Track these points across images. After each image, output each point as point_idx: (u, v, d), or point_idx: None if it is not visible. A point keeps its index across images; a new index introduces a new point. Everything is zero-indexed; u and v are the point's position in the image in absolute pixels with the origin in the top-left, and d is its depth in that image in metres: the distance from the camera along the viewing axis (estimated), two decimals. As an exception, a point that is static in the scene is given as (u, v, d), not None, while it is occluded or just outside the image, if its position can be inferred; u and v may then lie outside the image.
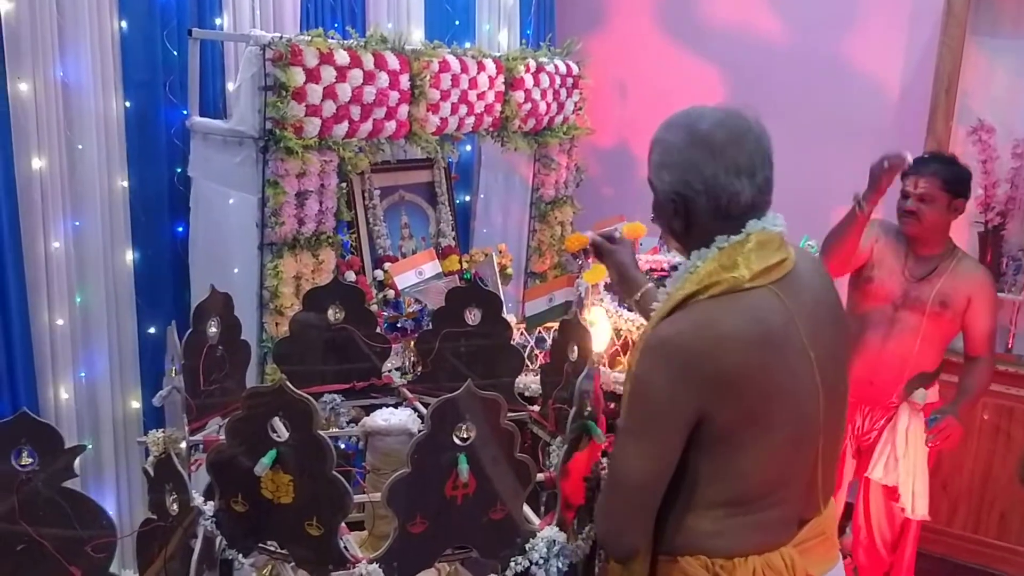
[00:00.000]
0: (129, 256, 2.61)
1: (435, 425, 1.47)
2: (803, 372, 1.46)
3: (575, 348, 1.97)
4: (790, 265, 1.48)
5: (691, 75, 4.15)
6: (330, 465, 1.45)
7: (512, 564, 1.56)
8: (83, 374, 2.53)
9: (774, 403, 1.44)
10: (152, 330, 2.69)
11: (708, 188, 1.45)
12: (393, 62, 2.76)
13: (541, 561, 1.57)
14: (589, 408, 1.74)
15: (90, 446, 2.52)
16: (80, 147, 2.42)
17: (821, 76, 3.84)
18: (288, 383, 1.46)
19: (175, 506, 1.38)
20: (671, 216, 1.51)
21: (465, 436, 1.48)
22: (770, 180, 1.48)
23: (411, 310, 2.64)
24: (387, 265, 3.08)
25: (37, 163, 2.31)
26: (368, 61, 2.67)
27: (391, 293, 3.02)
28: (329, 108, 2.53)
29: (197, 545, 1.36)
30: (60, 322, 2.41)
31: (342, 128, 2.60)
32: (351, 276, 2.90)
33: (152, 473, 1.47)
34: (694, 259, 1.50)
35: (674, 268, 3.12)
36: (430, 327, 2.28)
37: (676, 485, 1.49)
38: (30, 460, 1.48)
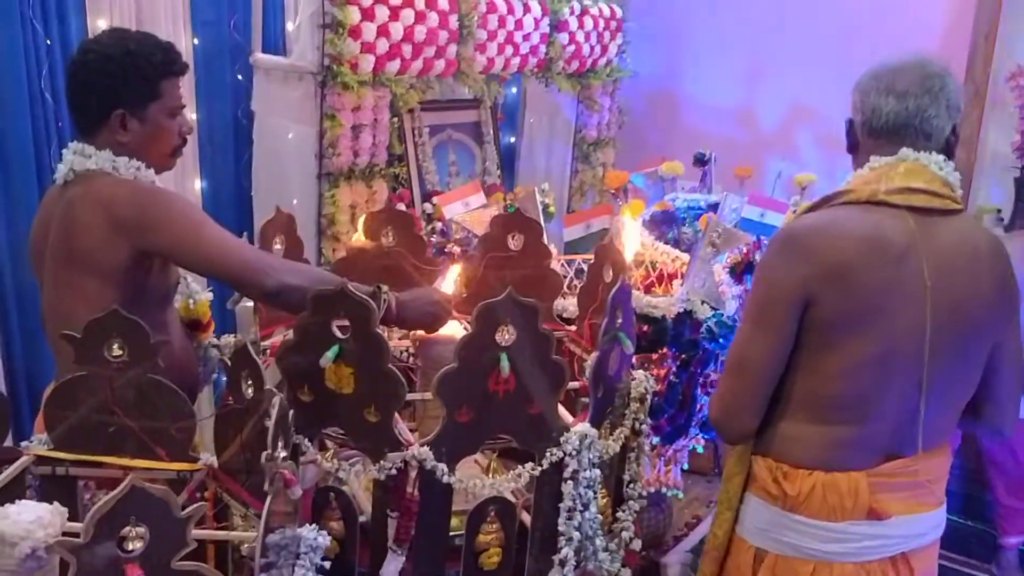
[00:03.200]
0: (197, 185, 2.80)
1: (480, 326, 1.64)
2: (911, 299, 1.56)
3: (610, 270, 2.13)
4: (937, 203, 1.59)
5: (732, 19, 4.20)
6: (386, 359, 1.63)
7: (547, 455, 1.73)
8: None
9: (873, 312, 1.55)
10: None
11: (863, 106, 1.63)
12: (443, 2, 2.89)
13: (574, 452, 1.74)
14: (620, 319, 1.89)
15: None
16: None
17: (861, 22, 3.88)
18: (350, 285, 1.63)
19: (250, 391, 1.57)
20: (848, 142, 1.70)
21: (506, 337, 1.65)
22: (924, 110, 1.60)
23: (458, 236, 2.81)
24: (435, 199, 3.25)
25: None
26: (419, 1, 2.81)
27: (439, 225, 3.19)
28: (383, 45, 2.69)
29: (271, 425, 1.54)
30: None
31: (395, 65, 2.76)
32: (401, 207, 3.06)
33: (230, 363, 1.65)
34: (847, 177, 1.67)
35: (713, 206, 3.24)
36: (475, 252, 2.44)
37: None
38: (120, 353, 1.69)
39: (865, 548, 1.64)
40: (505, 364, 1.64)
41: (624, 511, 2.01)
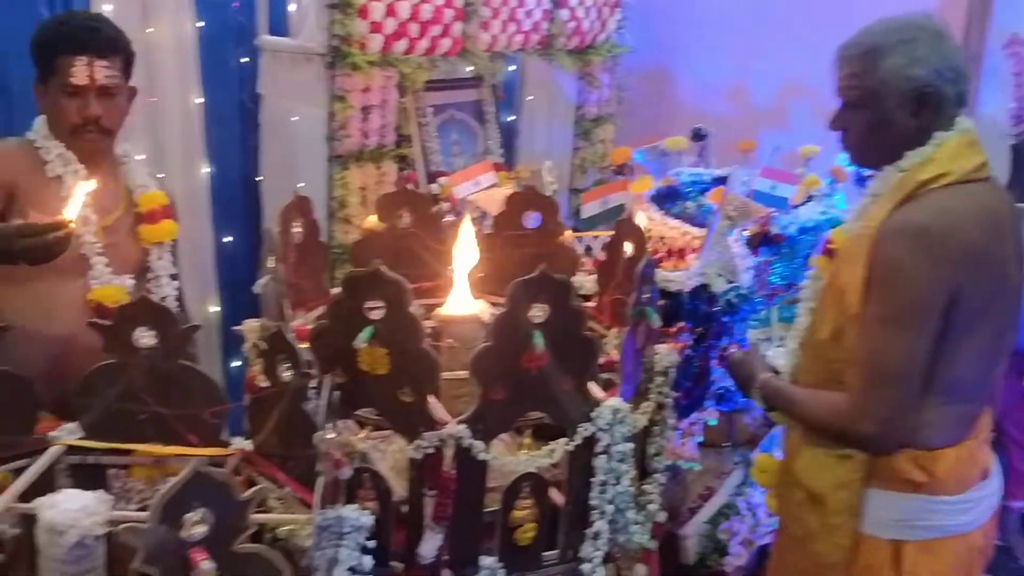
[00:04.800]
0: (204, 170, 2.79)
1: (513, 304, 1.64)
2: (1016, 264, 1.59)
3: (631, 245, 2.14)
4: (985, 172, 1.60)
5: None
6: (420, 340, 1.63)
7: (580, 430, 1.74)
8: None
9: (1002, 290, 1.57)
10: (227, 239, 2.88)
11: (957, 76, 1.57)
12: (448, -21, 2.88)
13: (606, 427, 1.75)
14: (647, 295, 1.90)
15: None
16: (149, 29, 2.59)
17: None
18: (384, 267, 1.63)
19: (287, 374, 1.57)
20: (908, 116, 1.58)
21: (539, 314, 1.65)
22: (968, 77, 1.60)
23: (473, 216, 2.81)
24: (442, 179, 3.23)
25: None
26: (425, -21, 2.79)
27: (446, 205, 3.18)
28: (391, 25, 2.67)
29: (322, 405, 1.53)
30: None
31: (402, 45, 2.75)
32: (410, 187, 3.05)
33: (266, 346, 1.65)
34: (911, 158, 1.59)
35: (718, 180, 3.25)
36: (490, 231, 2.44)
37: None
38: (150, 340, 1.68)
39: (982, 511, 1.70)
40: (539, 341, 1.64)
41: (650, 484, 2.03)
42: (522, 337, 1.65)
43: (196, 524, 1.04)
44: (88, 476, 1.63)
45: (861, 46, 1.62)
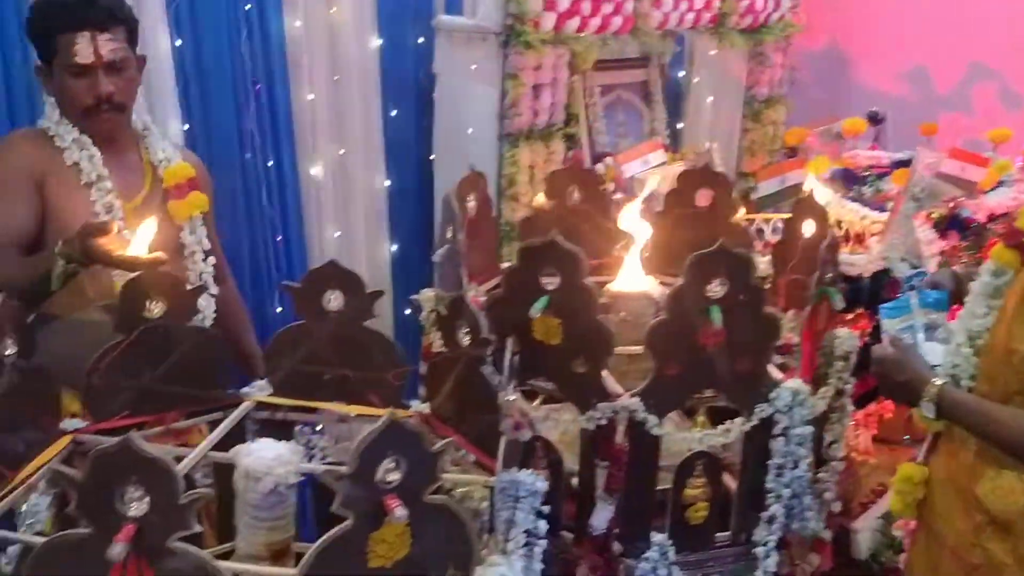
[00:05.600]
0: (380, 145, 2.87)
1: (691, 277, 1.61)
2: None
3: (811, 225, 2.06)
4: None
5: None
6: (595, 311, 1.63)
7: (757, 410, 1.70)
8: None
9: None
10: (403, 220, 2.97)
11: None
12: (620, -44, 2.85)
13: (785, 409, 1.69)
14: (830, 275, 1.83)
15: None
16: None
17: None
18: (560, 237, 1.63)
19: (467, 339, 1.60)
20: None
21: (717, 289, 1.62)
22: None
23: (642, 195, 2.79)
24: (608, 159, 3.22)
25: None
26: (598, -44, 2.78)
27: (611, 186, 3.16)
28: (564, 3, 2.68)
29: (506, 369, 1.55)
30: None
31: (574, 23, 2.75)
32: (576, 166, 3.06)
33: (446, 312, 1.69)
34: None
35: (899, 164, 3.10)
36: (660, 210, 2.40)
37: None
38: (337, 303, 1.75)
39: None
40: (717, 316, 1.61)
41: (826, 472, 1.95)
42: (699, 312, 1.62)
43: (390, 472, 1.07)
44: (275, 431, 1.71)
45: None
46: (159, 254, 1.68)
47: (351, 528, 1.07)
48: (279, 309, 2.70)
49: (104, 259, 1.66)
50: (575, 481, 1.77)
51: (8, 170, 1.85)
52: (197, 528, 1.02)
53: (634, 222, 2.10)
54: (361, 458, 1.05)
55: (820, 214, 2.03)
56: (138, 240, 1.70)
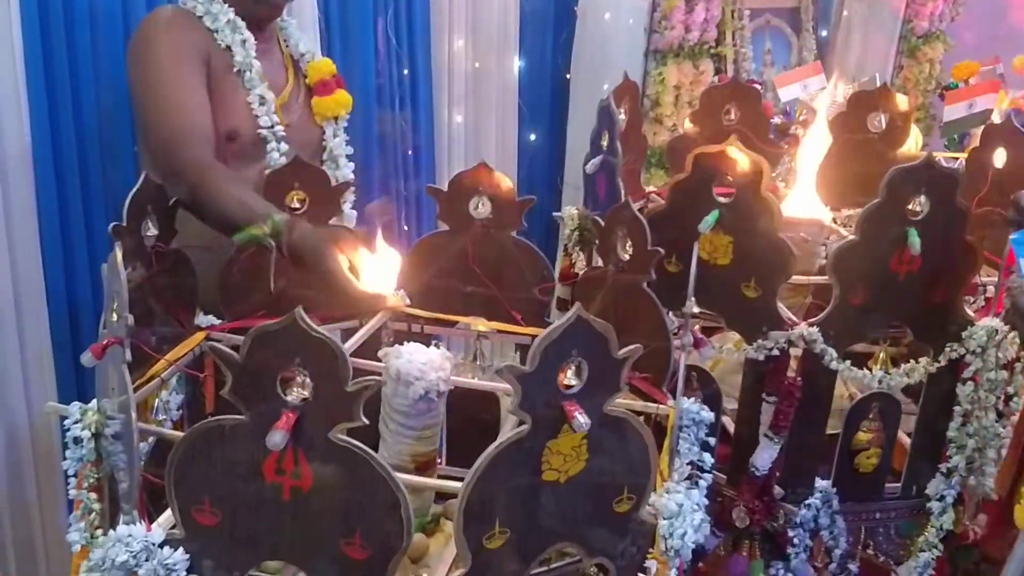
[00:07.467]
0: (516, 63, 2.73)
1: (888, 195, 1.43)
2: None
3: (1003, 153, 1.83)
4: None
5: None
6: (774, 225, 1.46)
7: (947, 350, 1.51)
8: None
9: None
10: (532, 137, 2.83)
11: None
12: None
13: (979, 350, 1.50)
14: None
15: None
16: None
17: None
18: (738, 144, 1.47)
19: (626, 255, 1.46)
20: None
21: (918, 209, 1.43)
22: None
23: (802, 119, 2.58)
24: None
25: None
26: None
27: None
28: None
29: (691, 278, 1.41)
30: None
31: (733, -68, 2.54)
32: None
33: (602, 224, 1.55)
34: None
35: None
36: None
37: None
38: (486, 210, 1.64)
39: None
40: (915, 241, 1.42)
41: (1007, 427, 1.75)
42: (895, 235, 1.44)
43: (573, 374, 0.94)
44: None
45: None
46: (382, 293, 1.49)
47: (528, 433, 0.95)
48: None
49: (327, 270, 1.47)
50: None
51: (183, 49, 1.70)
52: (363, 420, 0.91)
53: (821, 141, 1.91)
54: (543, 355, 0.93)
55: (1017, 138, 1.80)
56: (371, 268, 1.51)
